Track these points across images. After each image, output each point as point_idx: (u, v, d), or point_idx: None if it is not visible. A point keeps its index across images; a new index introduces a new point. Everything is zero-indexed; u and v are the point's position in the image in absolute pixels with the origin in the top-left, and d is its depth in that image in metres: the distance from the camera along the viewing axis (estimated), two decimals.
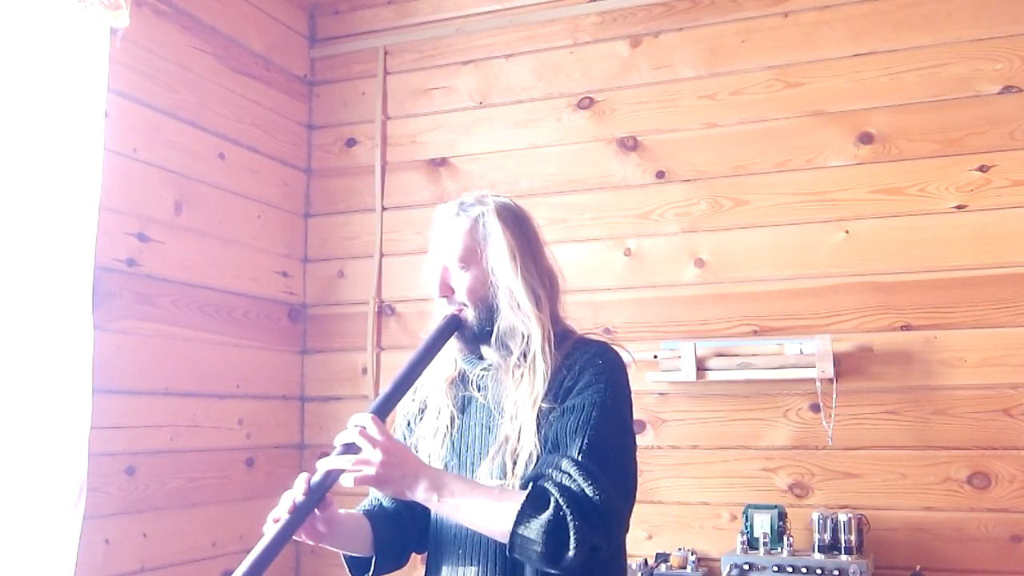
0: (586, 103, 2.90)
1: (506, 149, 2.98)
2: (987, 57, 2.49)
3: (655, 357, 2.65)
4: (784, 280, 2.61)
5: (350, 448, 1.39)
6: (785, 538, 2.35)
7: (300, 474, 1.40)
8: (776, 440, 2.56)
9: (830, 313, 2.55)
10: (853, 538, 2.28)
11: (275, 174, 3.08)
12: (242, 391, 2.86)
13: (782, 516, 2.40)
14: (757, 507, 2.42)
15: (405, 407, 1.67)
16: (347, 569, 1.60)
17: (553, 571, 1.35)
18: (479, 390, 1.57)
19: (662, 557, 2.51)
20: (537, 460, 1.43)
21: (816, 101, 2.64)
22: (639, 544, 2.60)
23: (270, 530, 1.36)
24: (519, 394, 1.49)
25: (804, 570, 2.25)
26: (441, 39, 3.11)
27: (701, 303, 2.69)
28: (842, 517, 2.30)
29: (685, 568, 2.48)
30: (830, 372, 2.45)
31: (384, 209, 3.12)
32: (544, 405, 1.46)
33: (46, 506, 2.14)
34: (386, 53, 3.18)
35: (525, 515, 1.33)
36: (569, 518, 1.31)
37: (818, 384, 2.49)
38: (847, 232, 2.57)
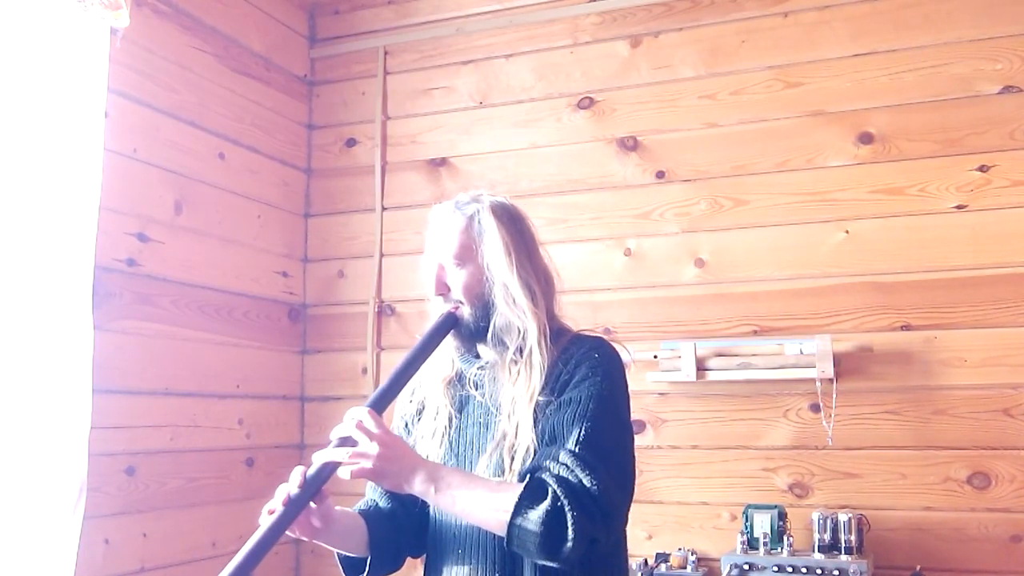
0: (586, 103, 2.90)
1: (506, 149, 2.98)
2: (987, 57, 2.49)
3: (655, 357, 2.65)
4: (784, 280, 2.61)
5: (346, 442, 1.39)
6: (785, 538, 2.35)
7: (296, 467, 1.40)
8: (776, 440, 2.56)
9: (830, 313, 2.55)
10: (853, 538, 2.28)
11: (275, 174, 3.08)
12: (242, 391, 2.86)
13: (782, 516, 2.40)
14: (757, 507, 2.42)
15: (403, 409, 1.67)
16: (341, 569, 1.59)
17: (551, 564, 1.34)
18: (476, 389, 1.57)
19: (662, 557, 2.51)
20: (534, 455, 1.43)
21: (816, 101, 2.64)
22: (639, 544, 2.60)
23: (265, 522, 1.35)
24: (516, 390, 1.49)
25: (804, 570, 2.25)
26: (441, 39, 3.11)
27: (701, 303, 2.69)
28: (842, 517, 2.30)
29: (685, 568, 2.47)
30: (830, 372, 2.45)
31: (384, 209, 3.12)
32: (541, 399, 1.46)
33: (46, 506, 2.14)
34: (386, 53, 3.18)
35: (523, 506, 1.33)
36: (567, 509, 1.30)
37: (818, 384, 2.49)
38: (847, 232, 2.57)
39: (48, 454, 2.16)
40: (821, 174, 2.61)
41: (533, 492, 1.34)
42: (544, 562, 1.35)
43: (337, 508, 1.50)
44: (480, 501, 1.37)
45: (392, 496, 1.61)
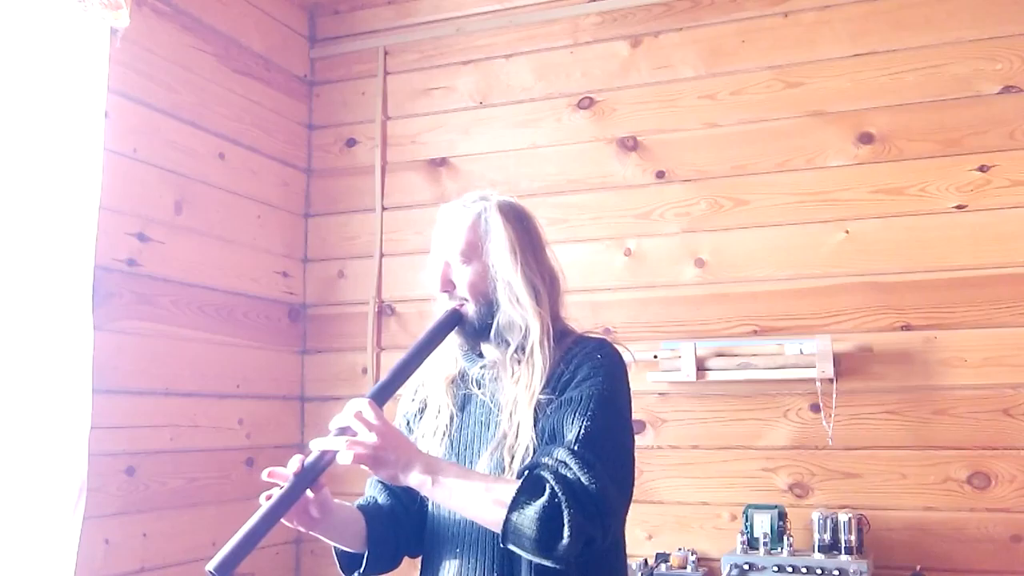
0: (586, 103, 2.90)
1: (506, 149, 2.98)
2: (987, 57, 2.49)
3: (655, 357, 2.65)
4: (784, 280, 2.61)
5: (345, 431, 1.39)
6: (785, 538, 2.35)
7: (294, 455, 1.39)
8: (776, 440, 2.56)
9: (830, 313, 2.55)
10: (853, 538, 2.28)
11: (275, 174, 3.08)
12: (242, 391, 2.86)
13: (782, 516, 2.40)
14: (757, 507, 2.42)
15: (405, 407, 1.67)
16: (338, 564, 1.58)
17: (546, 561, 1.34)
18: (479, 387, 1.57)
19: (662, 557, 2.51)
20: (534, 454, 1.42)
21: (816, 101, 2.64)
22: (639, 544, 2.60)
23: (262, 507, 1.34)
24: (517, 389, 1.49)
25: (804, 570, 2.25)
26: (441, 39, 3.11)
27: (701, 303, 2.69)
28: (842, 517, 2.30)
29: (685, 568, 2.47)
30: (830, 372, 2.45)
31: (384, 209, 3.12)
32: (542, 398, 1.46)
33: (46, 506, 2.14)
34: (386, 53, 3.18)
35: (519, 502, 1.32)
36: (564, 506, 1.30)
37: (818, 384, 2.49)
38: (847, 232, 2.57)
39: (48, 454, 2.16)
40: (821, 174, 2.61)
41: (530, 488, 1.33)
42: (539, 560, 1.34)
43: (335, 501, 1.50)
44: (477, 495, 1.36)
45: (391, 493, 1.61)
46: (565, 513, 1.30)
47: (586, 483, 1.33)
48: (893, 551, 2.40)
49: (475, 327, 1.54)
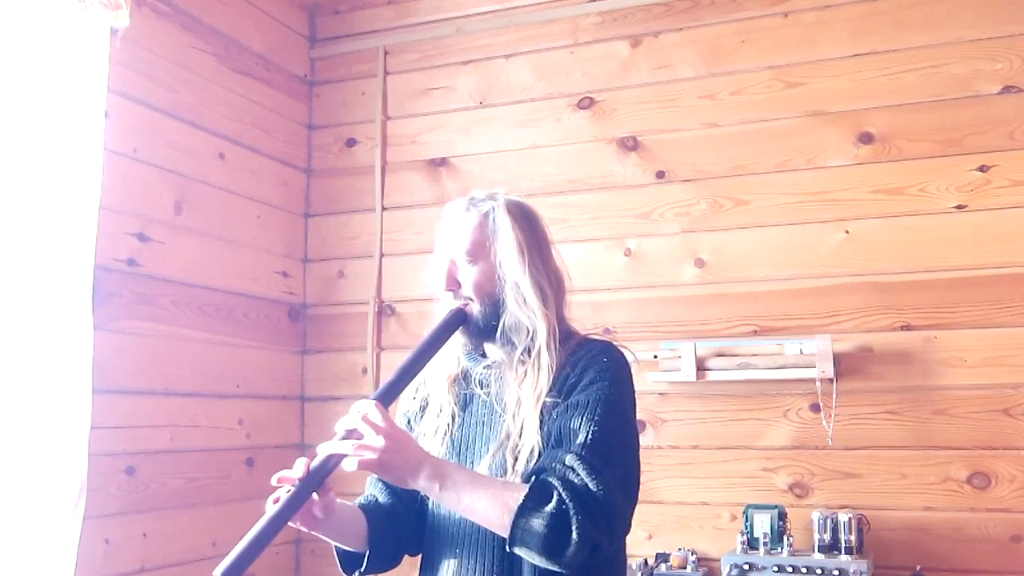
0: (586, 103, 2.90)
1: (506, 149, 2.98)
2: (987, 57, 2.49)
3: (655, 357, 2.65)
4: (784, 280, 2.61)
5: (352, 434, 1.38)
6: (785, 538, 2.35)
7: (299, 458, 1.39)
8: (776, 440, 2.56)
9: (830, 313, 2.55)
10: (853, 538, 2.28)
11: (275, 174, 3.08)
12: (242, 391, 2.86)
13: (782, 516, 2.40)
14: (757, 507, 2.42)
15: (406, 405, 1.67)
16: (338, 563, 1.58)
17: (553, 567, 1.34)
18: (482, 387, 1.56)
19: (662, 557, 2.51)
20: (538, 456, 1.42)
21: (816, 101, 2.64)
22: (639, 544, 2.60)
23: (269, 511, 1.34)
24: (522, 390, 1.48)
25: (804, 570, 2.25)
26: (441, 39, 3.11)
27: (701, 303, 2.69)
28: (842, 517, 2.30)
29: (685, 568, 2.48)
30: (830, 372, 2.45)
31: (384, 209, 3.12)
32: (548, 400, 1.46)
33: (46, 506, 2.14)
34: (386, 53, 3.18)
35: (527, 508, 1.32)
36: (572, 513, 1.30)
37: (818, 384, 2.49)
38: (847, 232, 2.57)
39: (48, 454, 2.16)
40: (821, 174, 2.61)
41: (538, 494, 1.33)
42: (546, 565, 1.34)
43: (337, 500, 1.50)
44: (485, 500, 1.36)
45: (391, 492, 1.60)
46: (573, 519, 1.30)
47: (593, 489, 1.33)
48: (893, 551, 2.40)
49: (480, 327, 1.54)
